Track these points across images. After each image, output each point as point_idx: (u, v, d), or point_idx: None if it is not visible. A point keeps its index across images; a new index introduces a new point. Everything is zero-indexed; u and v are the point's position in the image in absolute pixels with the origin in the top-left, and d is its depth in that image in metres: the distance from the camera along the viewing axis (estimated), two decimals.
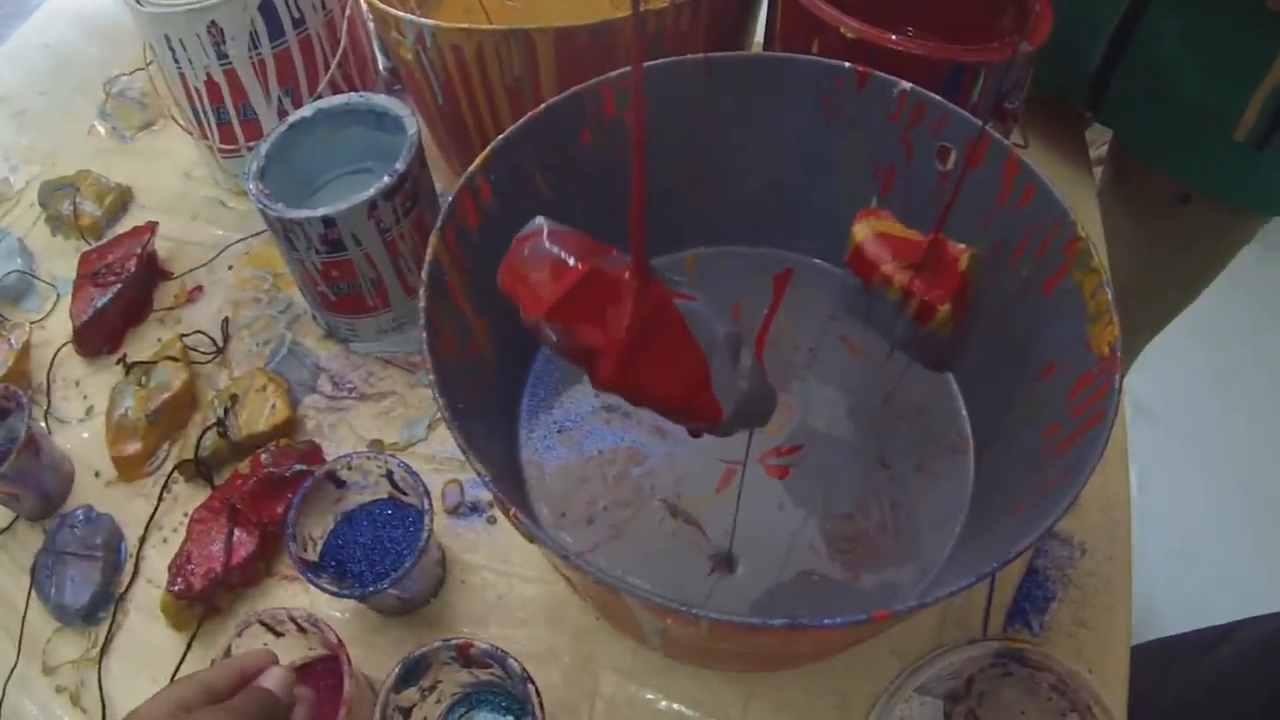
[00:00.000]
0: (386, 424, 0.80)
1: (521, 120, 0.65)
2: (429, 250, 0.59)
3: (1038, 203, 0.63)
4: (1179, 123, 0.88)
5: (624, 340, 0.45)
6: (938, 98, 0.66)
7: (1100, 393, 0.56)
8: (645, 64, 0.68)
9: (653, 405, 0.48)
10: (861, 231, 0.63)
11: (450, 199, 0.61)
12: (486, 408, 0.67)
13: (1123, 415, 0.81)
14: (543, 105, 0.66)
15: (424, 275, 0.58)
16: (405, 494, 0.70)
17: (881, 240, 0.63)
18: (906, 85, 0.66)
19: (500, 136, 0.64)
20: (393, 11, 0.74)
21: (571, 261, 0.45)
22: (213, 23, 0.83)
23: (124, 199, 1.02)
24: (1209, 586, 1.79)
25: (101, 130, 1.11)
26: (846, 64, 0.67)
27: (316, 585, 0.64)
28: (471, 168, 0.63)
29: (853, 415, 0.71)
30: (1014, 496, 0.60)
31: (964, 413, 0.71)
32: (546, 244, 0.46)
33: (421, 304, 0.57)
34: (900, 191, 0.71)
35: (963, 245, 0.61)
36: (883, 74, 0.67)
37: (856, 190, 0.73)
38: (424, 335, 0.56)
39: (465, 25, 0.71)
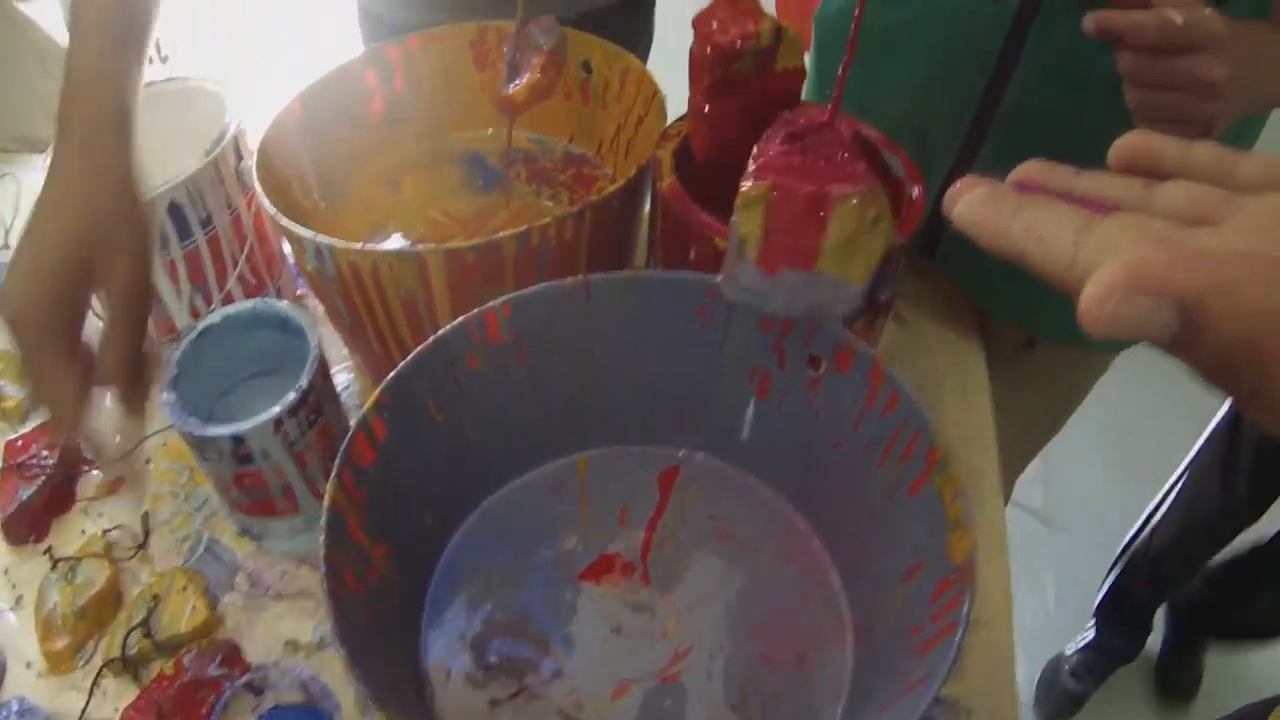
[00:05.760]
0: (302, 624, 0.83)
1: (411, 355, 0.69)
2: (327, 497, 0.62)
3: (901, 410, 0.68)
4: (1013, 267, 0.92)
5: None
6: None
7: (954, 603, 0.60)
8: (527, 289, 0.72)
9: None
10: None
11: (345, 444, 0.65)
12: (389, 624, 0.70)
13: (1008, 579, 0.85)
14: (430, 339, 0.70)
15: (323, 522, 0.62)
16: (319, 702, 0.74)
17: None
18: None
19: (391, 374, 0.68)
20: (292, 229, 0.77)
21: None
22: None
23: None
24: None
25: None
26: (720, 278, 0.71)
27: None
28: (364, 409, 0.66)
29: (736, 611, 0.75)
30: (882, 696, 0.64)
31: (844, 604, 0.75)
32: None
33: (322, 552, 0.61)
34: (777, 393, 0.75)
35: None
36: None
37: (735, 391, 0.77)
38: (324, 582, 0.60)
39: (359, 246, 0.75)
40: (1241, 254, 0.32)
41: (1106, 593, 1.91)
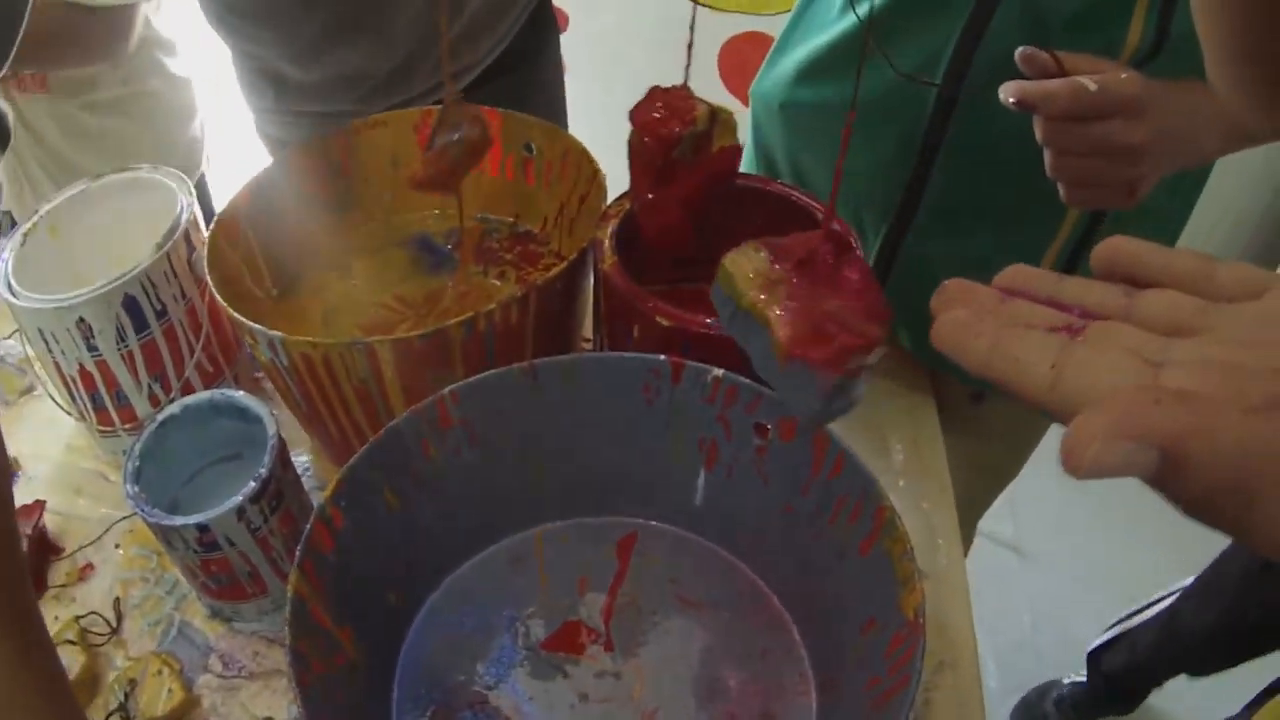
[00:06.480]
0: (276, 701, 0.84)
1: (365, 446, 0.71)
2: (290, 588, 0.64)
3: (848, 473, 0.70)
4: None
5: None
6: (747, 381, 0.73)
7: (907, 655, 0.62)
8: (475, 377, 0.74)
9: None
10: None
11: (305, 534, 0.67)
12: (359, 704, 0.72)
13: (971, 621, 0.87)
14: (383, 429, 0.72)
15: (287, 612, 0.64)
16: None
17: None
18: (719, 372, 0.73)
19: (347, 465, 0.70)
20: (245, 322, 0.79)
21: None
22: (81, 319, 0.88)
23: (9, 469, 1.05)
24: None
25: None
26: (661, 357, 0.74)
27: None
28: (322, 500, 0.69)
29: (700, 671, 0.77)
30: None
31: (805, 658, 0.77)
32: None
33: (287, 641, 0.62)
34: (725, 463, 0.78)
35: None
36: (695, 364, 0.74)
37: (685, 462, 0.80)
38: (291, 671, 0.61)
39: (310, 338, 0.77)
40: (1226, 366, 0.34)
41: (1102, 645, 1.84)
